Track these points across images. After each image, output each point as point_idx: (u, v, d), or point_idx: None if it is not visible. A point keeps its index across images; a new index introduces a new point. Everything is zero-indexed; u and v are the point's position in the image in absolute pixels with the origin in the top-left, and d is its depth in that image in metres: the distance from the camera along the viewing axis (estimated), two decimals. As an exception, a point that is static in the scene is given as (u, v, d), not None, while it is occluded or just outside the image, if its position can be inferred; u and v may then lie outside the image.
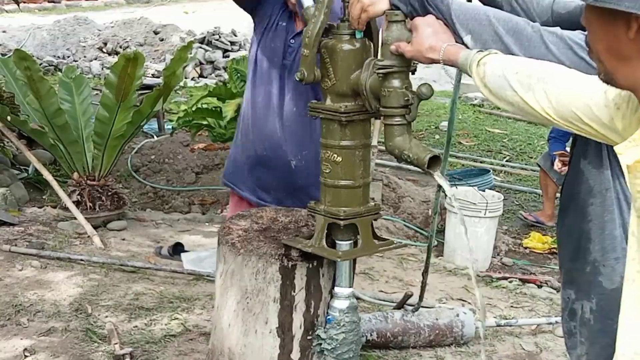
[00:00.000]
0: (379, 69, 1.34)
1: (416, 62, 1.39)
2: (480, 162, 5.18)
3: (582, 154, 1.35)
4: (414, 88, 1.37)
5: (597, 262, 1.35)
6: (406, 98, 1.33)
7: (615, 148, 0.97)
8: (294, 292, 1.51)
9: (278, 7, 1.92)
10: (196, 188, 4.54)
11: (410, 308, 2.57)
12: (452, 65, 1.33)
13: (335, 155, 1.46)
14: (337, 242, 1.51)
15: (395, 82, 1.34)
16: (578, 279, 1.42)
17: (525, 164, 5.12)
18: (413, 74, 1.43)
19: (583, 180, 1.36)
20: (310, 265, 1.53)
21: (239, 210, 1.90)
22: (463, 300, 3.07)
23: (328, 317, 1.55)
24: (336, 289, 1.54)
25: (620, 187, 1.32)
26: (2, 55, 6.05)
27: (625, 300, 1.01)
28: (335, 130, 1.44)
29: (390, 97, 1.34)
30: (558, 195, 3.66)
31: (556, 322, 2.81)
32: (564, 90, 1.16)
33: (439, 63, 1.35)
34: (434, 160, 1.27)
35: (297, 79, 1.52)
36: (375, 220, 1.57)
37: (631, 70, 0.91)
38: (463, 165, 5.05)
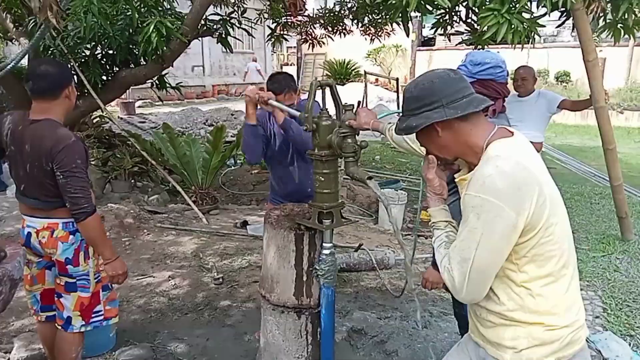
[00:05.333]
0: (341, 133, 2.08)
1: (359, 129, 2.16)
2: (394, 176, 7.92)
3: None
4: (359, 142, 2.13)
5: None
6: (355, 148, 2.06)
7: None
8: (302, 246, 2.23)
9: (268, 126, 2.98)
10: (253, 192, 7.11)
11: (359, 250, 4.05)
12: (375, 131, 2.23)
13: (321, 177, 2.18)
14: (323, 220, 2.19)
15: (349, 140, 2.06)
16: None
17: (418, 177, 7.60)
18: (358, 135, 2.15)
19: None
20: (311, 233, 2.23)
21: (272, 206, 2.94)
22: (387, 246, 4.80)
23: (320, 258, 2.24)
24: (323, 244, 2.23)
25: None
26: (155, 128, 10.25)
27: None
28: (320, 165, 2.17)
29: (347, 147, 2.06)
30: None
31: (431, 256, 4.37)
32: None
33: (370, 130, 2.25)
34: (370, 178, 1.99)
35: (305, 130, 2.20)
36: (342, 208, 2.26)
37: (449, 151, 1.49)
38: (387, 177, 7.73)
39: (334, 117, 2.23)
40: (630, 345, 3.16)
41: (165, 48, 4.89)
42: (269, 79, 2.95)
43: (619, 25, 4.04)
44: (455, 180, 1.55)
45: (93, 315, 2.51)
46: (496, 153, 1.38)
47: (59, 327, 2.51)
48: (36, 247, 2.41)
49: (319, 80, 2.26)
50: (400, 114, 1.52)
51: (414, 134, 1.91)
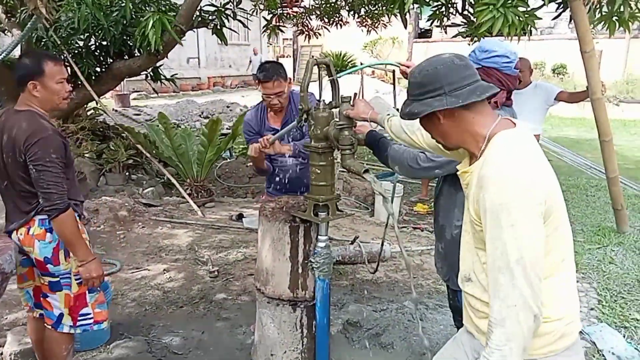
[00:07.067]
0: (338, 125, 2.11)
1: (356, 121, 2.17)
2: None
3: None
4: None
5: (444, 226, 2.23)
6: (352, 141, 2.08)
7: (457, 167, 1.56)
8: (297, 239, 2.26)
9: (263, 129, 2.88)
10: (249, 185, 7.09)
11: (354, 242, 4.03)
12: (373, 121, 2.18)
13: (317, 169, 2.21)
14: (319, 213, 2.23)
15: (346, 132, 2.08)
16: (438, 233, 2.31)
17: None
18: (355, 127, 2.16)
19: (443, 187, 2.24)
20: (306, 225, 2.27)
21: (269, 198, 2.89)
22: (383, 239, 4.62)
23: (315, 251, 2.28)
24: (319, 237, 2.28)
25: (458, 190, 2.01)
26: (150, 121, 10.42)
27: (462, 243, 1.57)
28: (316, 157, 2.20)
29: (344, 140, 2.07)
30: (432, 184, 5.27)
31: (427, 249, 4.44)
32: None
33: (367, 121, 2.21)
34: (366, 171, 2.01)
35: (301, 109, 2.23)
36: (338, 201, 2.30)
37: (451, 138, 1.47)
38: (383, 170, 7.45)
39: (331, 100, 2.23)
40: (624, 336, 3.17)
41: (160, 41, 4.84)
42: (258, 68, 2.91)
43: (614, 18, 4.03)
44: (458, 172, 1.52)
45: (80, 318, 2.40)
46: (505, 148, 1.35)
47: (49, 327, 2.42)
48: (17, 244, 2.33)
49: (315, 58, 2.23)
50: (406, 98, 1.49)
51: (413, 124, 1.93)
